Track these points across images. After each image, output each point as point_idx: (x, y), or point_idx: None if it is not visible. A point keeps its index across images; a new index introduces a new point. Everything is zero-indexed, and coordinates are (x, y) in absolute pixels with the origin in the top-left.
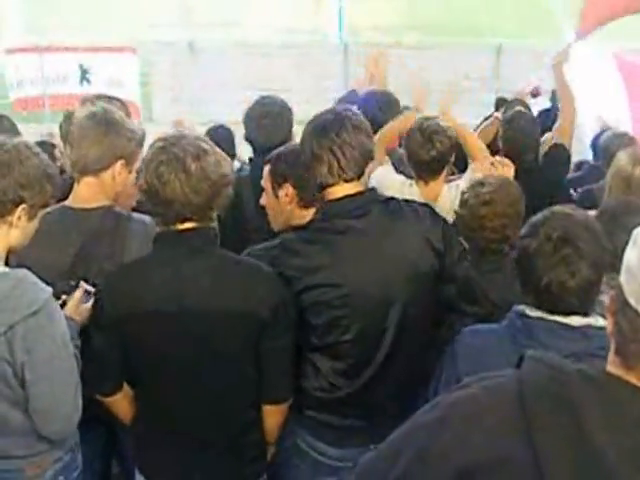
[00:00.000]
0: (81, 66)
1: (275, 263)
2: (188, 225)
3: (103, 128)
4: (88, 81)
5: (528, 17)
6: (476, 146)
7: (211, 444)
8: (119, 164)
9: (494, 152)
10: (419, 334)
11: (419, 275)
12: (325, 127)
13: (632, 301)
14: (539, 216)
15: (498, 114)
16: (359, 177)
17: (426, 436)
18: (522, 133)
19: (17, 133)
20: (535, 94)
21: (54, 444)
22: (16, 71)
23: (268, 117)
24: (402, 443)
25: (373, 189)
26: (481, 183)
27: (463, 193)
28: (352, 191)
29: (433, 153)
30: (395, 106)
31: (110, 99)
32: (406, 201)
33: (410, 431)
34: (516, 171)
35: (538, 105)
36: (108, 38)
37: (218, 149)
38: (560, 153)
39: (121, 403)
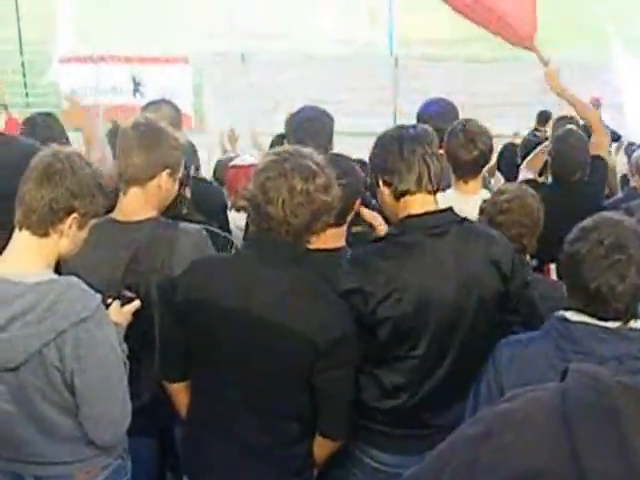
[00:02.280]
0: (134, 78)
1: (348, 279)
2: (279, 237)
3: (148, 138)
4: (141, 93)
5: (578, 31)
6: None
7: (257, 452)
8: (165, 173)
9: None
10: (478, 353)
11: (486, 297)
12: (417, 137)
13: None
14: (588, 221)
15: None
16: (436, 192)
17: (471, 449)
18: (572, 151)
19: (64, 135)
20: (595, 105)
21: (103, 450)
22: (70, 81)
23: (308, 123)
24: (447, 456)
25: (451, 209)
26: (500, 192)
27: (483, 201)
28: (432, 207)
29: (475, 153)
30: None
31: (160, 104)
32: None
33: (455, 444)
34: (564, 188)
35: None
36: (161, 48)
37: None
38: (599, 167)
39: (182, 393)
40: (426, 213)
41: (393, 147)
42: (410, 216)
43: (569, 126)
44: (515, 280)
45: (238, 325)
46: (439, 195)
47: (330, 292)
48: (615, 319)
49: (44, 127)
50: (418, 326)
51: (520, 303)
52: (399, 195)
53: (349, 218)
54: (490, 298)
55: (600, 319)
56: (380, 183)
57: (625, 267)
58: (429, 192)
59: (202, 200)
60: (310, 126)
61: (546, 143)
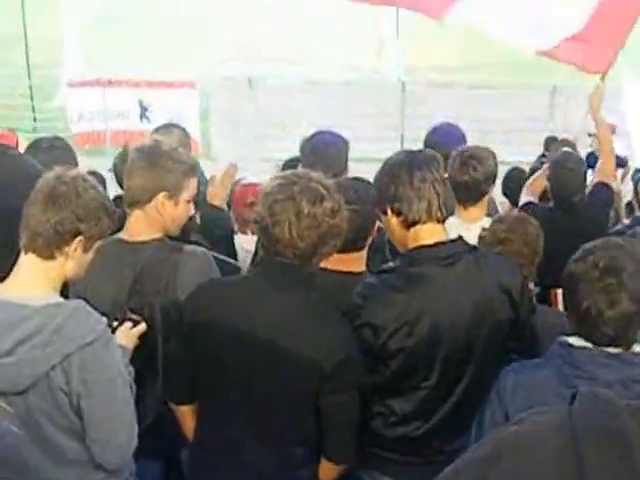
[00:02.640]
0: (141, 102)
1: (359, 313)
2: (287, 260)
3: (146, 161)
4: (148, 118)
5: None
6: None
7: (263, 476)
8: (161, 196)
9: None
10: (489, 380)
11: (498, 325)
12: (427, 162)
13: None
14: (592, 243)
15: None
16: (445, 220)
17: (480, 471)
18: (570, 174)
19: (73, 158)
20: (610, 131)
21: (110, 473)
22: (78, 105)
23: (322, 147)
24: (455, 478)
25: (461, 238)
26: (499, 220)
27: (483, 230)
28: (443, 237)
29: (465, 177)
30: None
31: (170, 128)
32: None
33: (461, 468)
34: (563, 210)
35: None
36: (168, 72)
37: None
38: (601, 190)
39: (188, 416)
40: (437, 244)
41: (402, 174)
42: (421, 247)
43: (566, 149)
44: (523, 306)
45: (244, 348)
46: None
47: (337, 315)
48: (610, 344)
49: (49, 150)
50: (430, 357)
51: (525, 330)
52: (409, 225)
53: (369, 242)
54: (501, 326)
55: (595, 343)
56: (388, 211)
57: (616, 292)
58: (439, 221)
59: (210, 226)
60: (325, 150)
61: (545, 167)
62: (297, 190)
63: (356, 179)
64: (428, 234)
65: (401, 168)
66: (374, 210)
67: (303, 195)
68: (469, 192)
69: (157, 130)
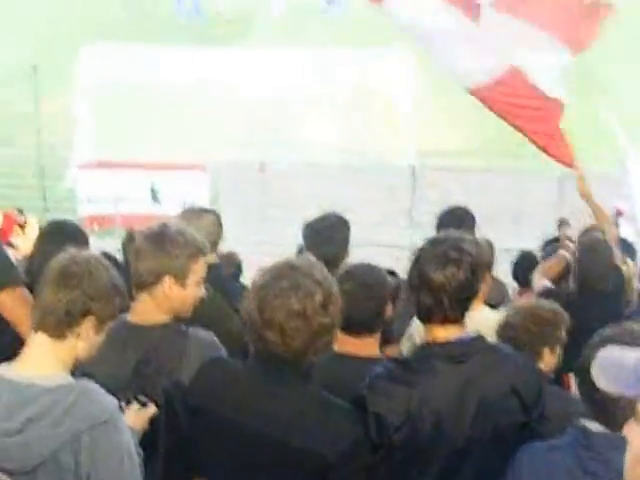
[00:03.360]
0: (152, 185)
1: (364, 403)
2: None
3: (152, 245)
4: (158, 201)
5: (592, 143)
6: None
7: None
8: (167, 279)
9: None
10: (491, 476)
11: (503, 427)
12: (447, 256)
13: None
14: (607, 330)
15: (565, 253)
16: (463, 316)
17: None
18: (599, 260)
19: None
20: (618, 215)
21: None
22: (87, 187)
23: (324, 229)
24: None
25: (480, 337)
26: (517, 312)
27: (499, 325)
28: (459, 334)
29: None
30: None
31: (200, 213)
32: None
33: None
34: (588, 298)
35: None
36: (178, 155)
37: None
38: (614, 275)
39: None
40: (451, 342)
41: (431, 268)
42: (435, 344)
43: (596, 234)
44: (536, 410)
45: (245, 441)
46: None
47: (339, 405)
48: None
49: (61, 233)
50: (432, 452)
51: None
52: (426, 321)
53: (380, 327)
54: (507, 428)
55: (611, 429)
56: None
57: None
58: (456, 320)
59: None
60: (327, 234)
61: (562, 252)
62: (286, 286)
63: (365, 265)
64: (444, 330)
65: (431, 261)
66: (385, 294)
67: (292, 292)
68: None
69: (186, 213)
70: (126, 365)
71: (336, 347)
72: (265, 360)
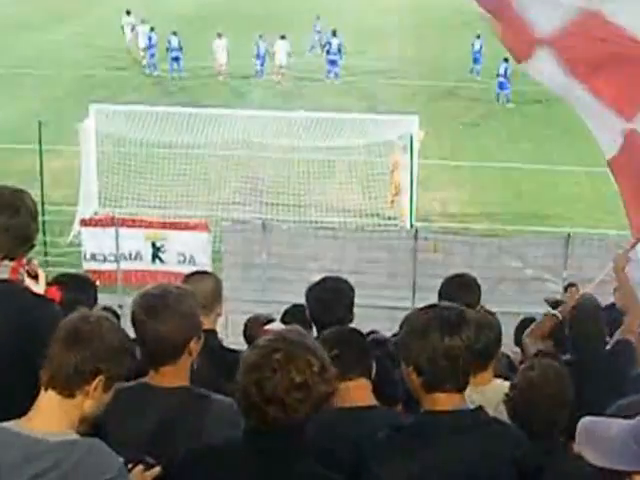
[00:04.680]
0: (154, 244)
1: (366, 468)
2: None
3: (156, 320)
4: (161, 259)
5: (598, 207)
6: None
7: None
8: (193, 342)
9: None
10: None
11: None
12: (460, 324)
13: None
14: (624, 400)
15: (554, 311)
16: (466, 386)
17: None
18: (589, 319)
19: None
20: None
21: None
22: (90, 243)
23: (327, 292)
24: None
25: (482, 408)
26: (531, 367)
27: (506, 395)
28: (462, 405)
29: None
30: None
31: (202, 276)
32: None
33: None
34: (582, 359)
35: None
36: (181, 213)
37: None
38: (624, 348)
39: None
40: (454, 412)
41: (431, 337)
42: (438, 412)
43: (587, 295)
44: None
45: None
46: None
47: (333, 477)
48: None
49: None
50: None
51: None
52: (429, 390)
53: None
54: None
55: None
56: (410, 368)
57: None
58: (460, 389)
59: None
60: (331, 297)
61: (549, 309)
62: (282, 360)
63: (356, 333)
64: (448, 401)
65: (429, 329)
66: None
67: (290, 365)
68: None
69: (189, 277)
70: (146, 428)
71: None
72: (262, 437)
